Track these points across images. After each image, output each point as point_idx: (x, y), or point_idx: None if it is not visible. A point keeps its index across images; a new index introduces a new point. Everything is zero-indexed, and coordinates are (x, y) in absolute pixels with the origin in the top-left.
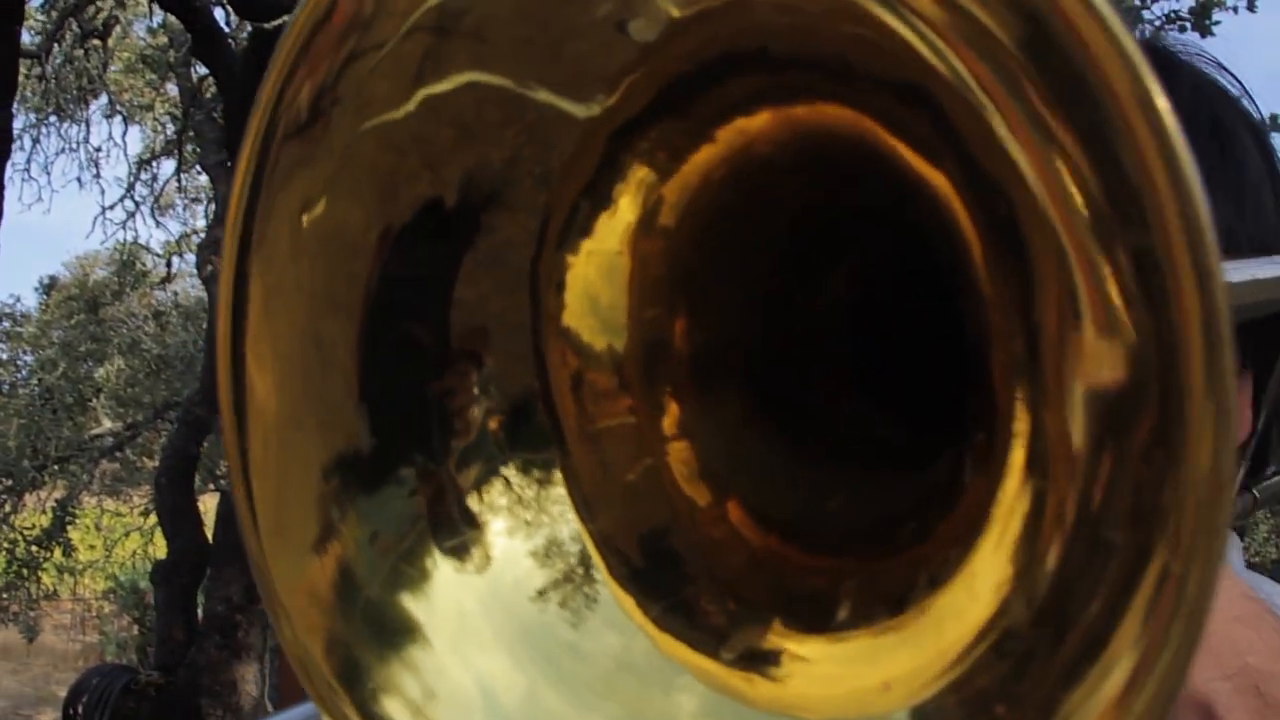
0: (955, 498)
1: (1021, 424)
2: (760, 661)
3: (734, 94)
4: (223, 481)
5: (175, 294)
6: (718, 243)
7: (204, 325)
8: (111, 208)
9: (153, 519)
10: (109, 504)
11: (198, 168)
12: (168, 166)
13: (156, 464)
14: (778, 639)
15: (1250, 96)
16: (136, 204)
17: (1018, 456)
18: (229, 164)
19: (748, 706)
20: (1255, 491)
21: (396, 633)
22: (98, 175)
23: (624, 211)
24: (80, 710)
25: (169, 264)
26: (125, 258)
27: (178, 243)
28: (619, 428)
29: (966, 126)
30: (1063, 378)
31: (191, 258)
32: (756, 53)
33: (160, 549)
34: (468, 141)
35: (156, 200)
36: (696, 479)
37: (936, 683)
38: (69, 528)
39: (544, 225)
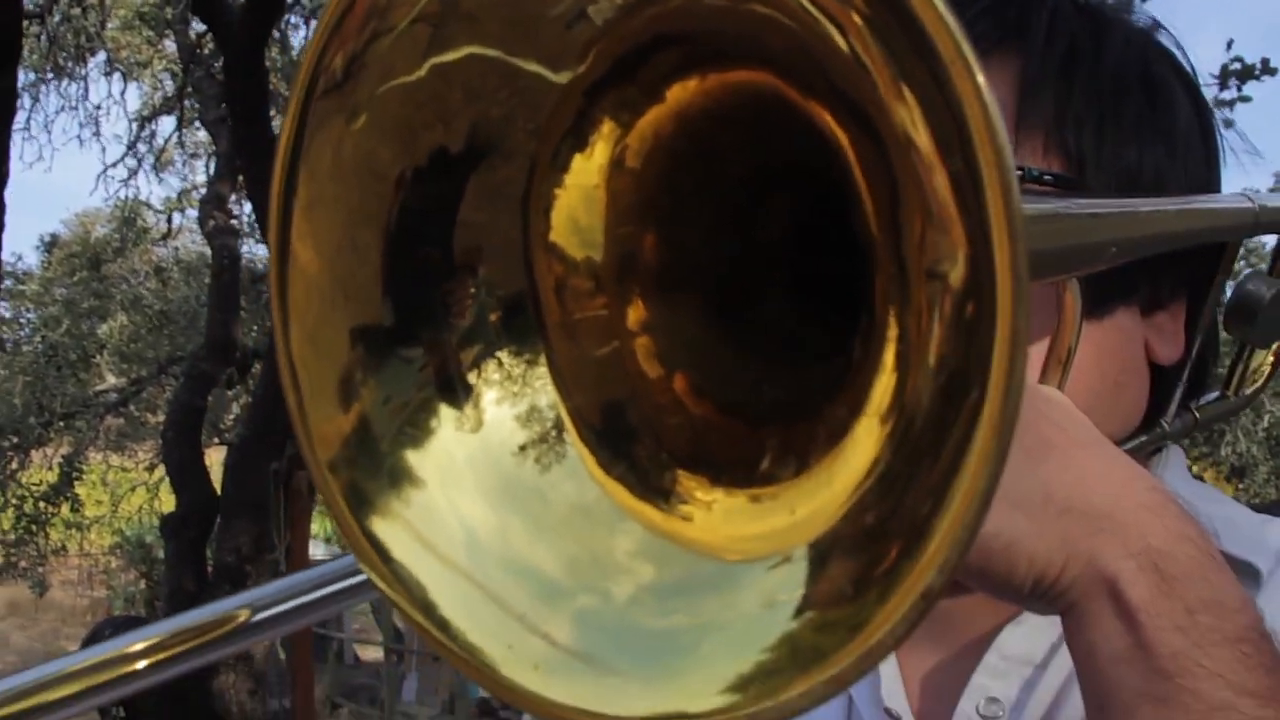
0: (849, 380)
1: (892, 330)
2: (690, 509)
3: (674, 61)
4: (227, 435)
5: (176, 249)
6: (675, 180)
7: (206, 280)
8: (114, 165)
9: (158, 474)
10: (114, 459)
11: (197, 123)
12: (166, 123)
13: (161, 419)
14: (705, 492)
15: (1184, 51)
16: (139, 161)
17: (890, 350)
18: (228, 120)
19: (677, 546)
20: (1195, 411)
21: (398, 475)
22: (97, 133)
23: (598, 155)
24: None
25: (169, 220)
26: (126, 214)
27: (178, 198)
28: (593, 320)
29: (855, 89)
30: (917, 288)
31: (192, 213)
32: (689, 30)
33: (166, 503)
34: (472, 101)
35: (157, 158)
36: (652, 360)
37: (833, 519)
38: (76, 484)
39: (533, 166)
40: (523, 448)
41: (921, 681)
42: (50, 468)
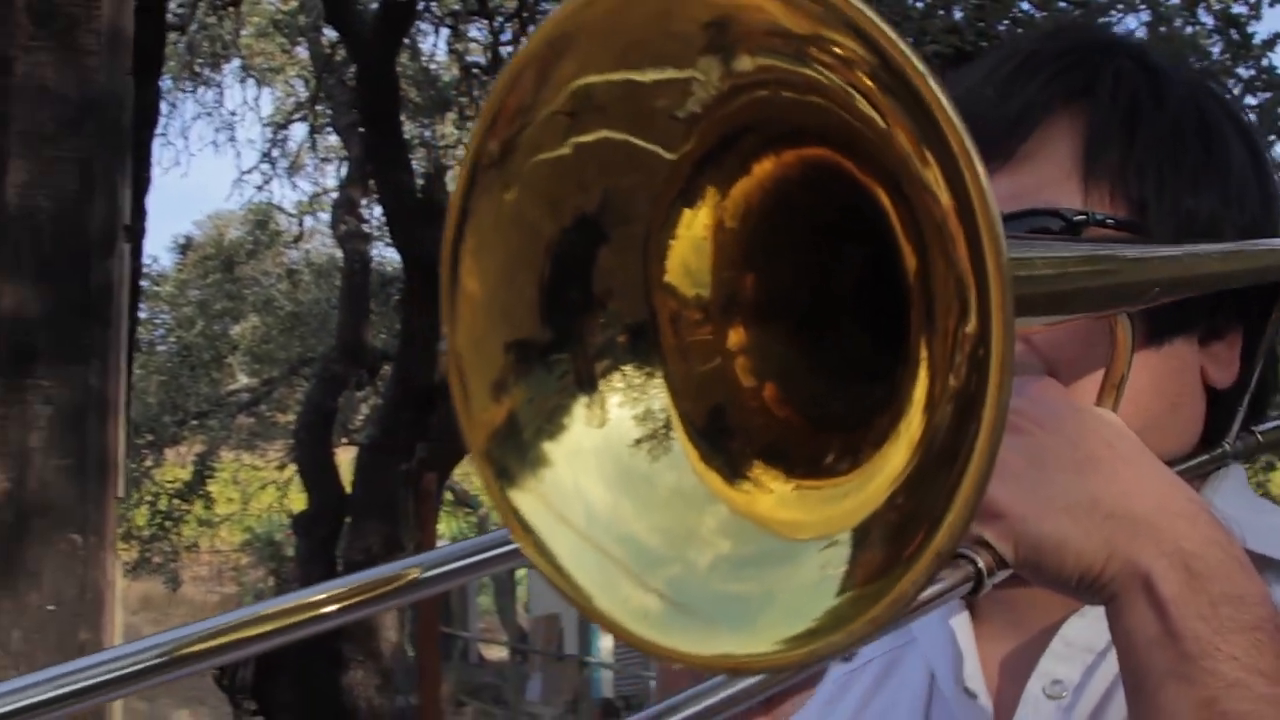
0: (893, 398)
1: (924, 361)
2: (765, 496)
3: (757, 141)
4: (357, 436)
5: (307, 252)
6: (764, 234)
7: (335, 283)
8: (249, 172)
9: (287, 472)
10: (245, 458)
11: (329, 128)
12: (298, 128)
13: (290, 418)
14: (778, 482)
15: (1239, 103)
16: (273, 165)
17: (923, 377)
18: (359, 126)
19: (752, 525)
20: (1259, 435)
21: (537, 460)
22: (232, 139)
23: (702, 215)
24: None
25: (301, 223)
26: (260, 218)
27: (309, 202)
28: (700, 343)
29: (893, 166)
30: (942, 323)
31: (323, 216)
32: (768, 117)
33: (295, 501)
34: (604, 174)
35: (291, 163)
36: (747, 374)
37: (873, 508)
38: (208, 481)
39: (651, 223)
40: (637, 442)
41: (996, 665)
42: (184, 466)
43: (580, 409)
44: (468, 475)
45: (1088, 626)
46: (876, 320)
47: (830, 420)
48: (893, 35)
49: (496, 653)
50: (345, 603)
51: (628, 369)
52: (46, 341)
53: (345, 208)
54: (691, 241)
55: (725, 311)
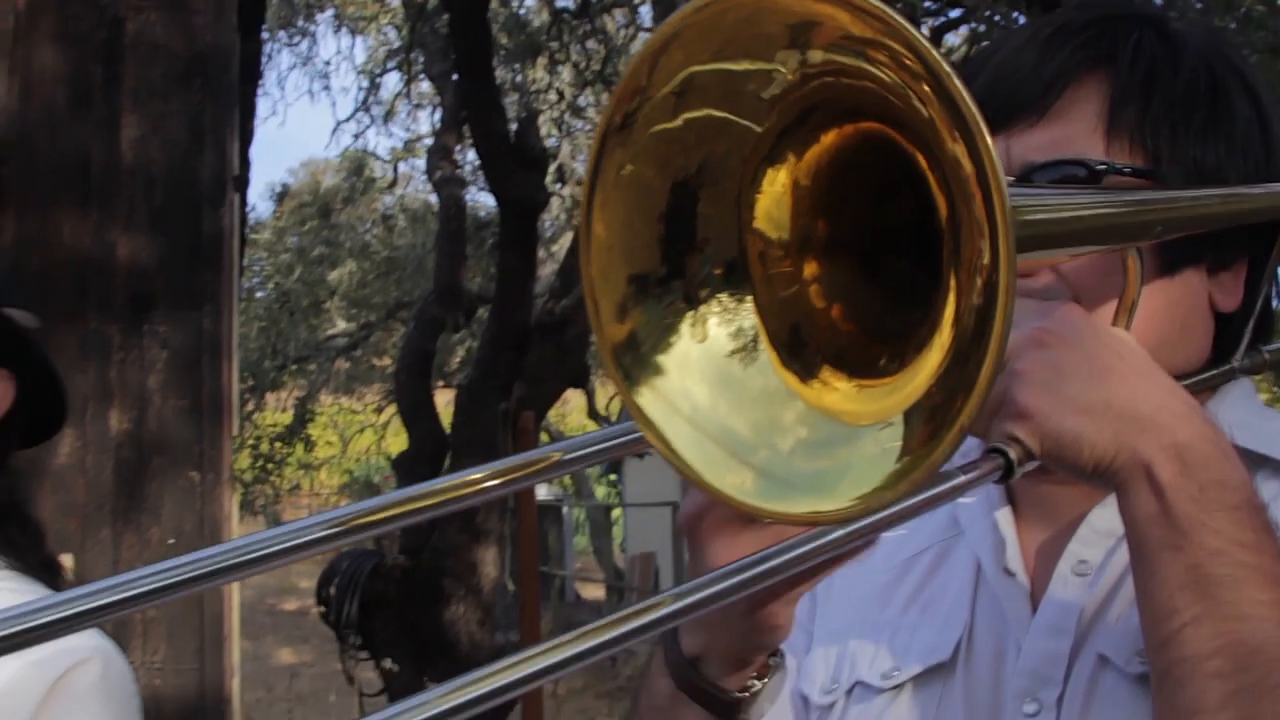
0: (931, 313)
1: (953, 286)
2: (832, 392)
3: (825, 117)
4: (452, 379)
5: (401, 197)
6: (832, 188)
7: (430, 228)
8: (347, 120)
9: (385, 415)
10: (344, 402)
11: (421, 76)
12: (391, 76)
13: (388, 363)
14: (842, 382)
15: (1248, 64)
16: (369, 113)
17: (951, 298)
18: (452, 74)
19: (822, 415)
20: (1265, 352)
21: (653, 365)
22: (327, 88)
23: (783, 173)
24: (333, 592)
25: (395, 169)
26: (355, 165)
27: (404, 148)
28: (781, 274)
29: (930, 137)
30: (966, 256)
31: (415, 162)
32: (833, 97)
33: (392, 444)
34: (704, 141)
35: (387, 113)
36: (819, 298)
37: (918, 396)
38: (308, 425)
39: (742, 181)
40: (731, 352)
41: (1033, 550)
42: (284, 410)
43: (686, 327)
44: (562, 416)
45: (1109, 516)
46: (917, 254)
47: (883, 332)
48: (931, 47)
49: (593, 591)
50: (498, 480)
51: (723, 296)
52: (162, 288)
53: (440, 154)
54: (774, 195)
55: (801, 249)
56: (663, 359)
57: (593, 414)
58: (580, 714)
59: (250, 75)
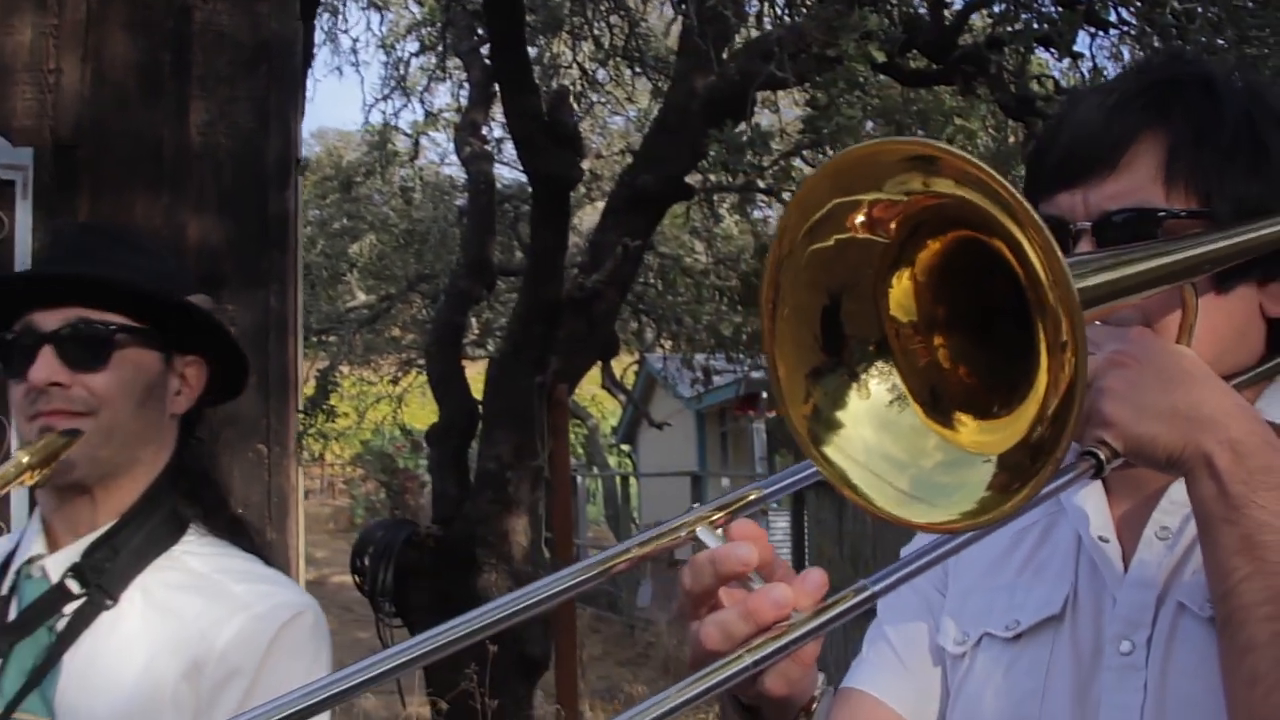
0: (1030, 371)
1: (1044, 350)
2: (959, 430)
3: (931, 228)
4: (479, 350)
5: (420, 169)
6: (942, 279)
7: (453, 202)
8: (385, 98)
9: (400, 386)
10: (360, 373)
11: (442, 49)
12: (414, 48)
13: (407, 335)
14: (966, 422)
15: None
16: (405, 90)
17: (1044, 361)
18: (479, 50)
19: (952, 447)
20: None
21: (830, 422)
22: (356, 64)
23: (905, 272)
24: (367, 561)
25: (416, 143)
26: (378, 139)
27: (425, 122)
28: (917, 349)
29: (1012, 240)
30: (1048, 329)
31: (436, 135)
32: (935, 214)
33: (408, 416)
34: (841, 257)
35: (423, 90)
36: (948, 361)
37: (1018, 438)
38: (331, 396)
39: (876, 281)
40: (889, 404)
41: (1121, 519)
42: (306, 381)
43: (853, 391)
44: (580, 392)
45: (1185, 490)
46: (1014, 325)
47: (995, 383)
48: (1015, 190)
49: None
50: (713, 516)
51: (877, 364)
52: (230, 268)
53: (469, 131)
54: (901, 289)
55: (927, 327)
56: (838, 417)
57: (605, 385)
58: (602, 679)
59: (305, 59)
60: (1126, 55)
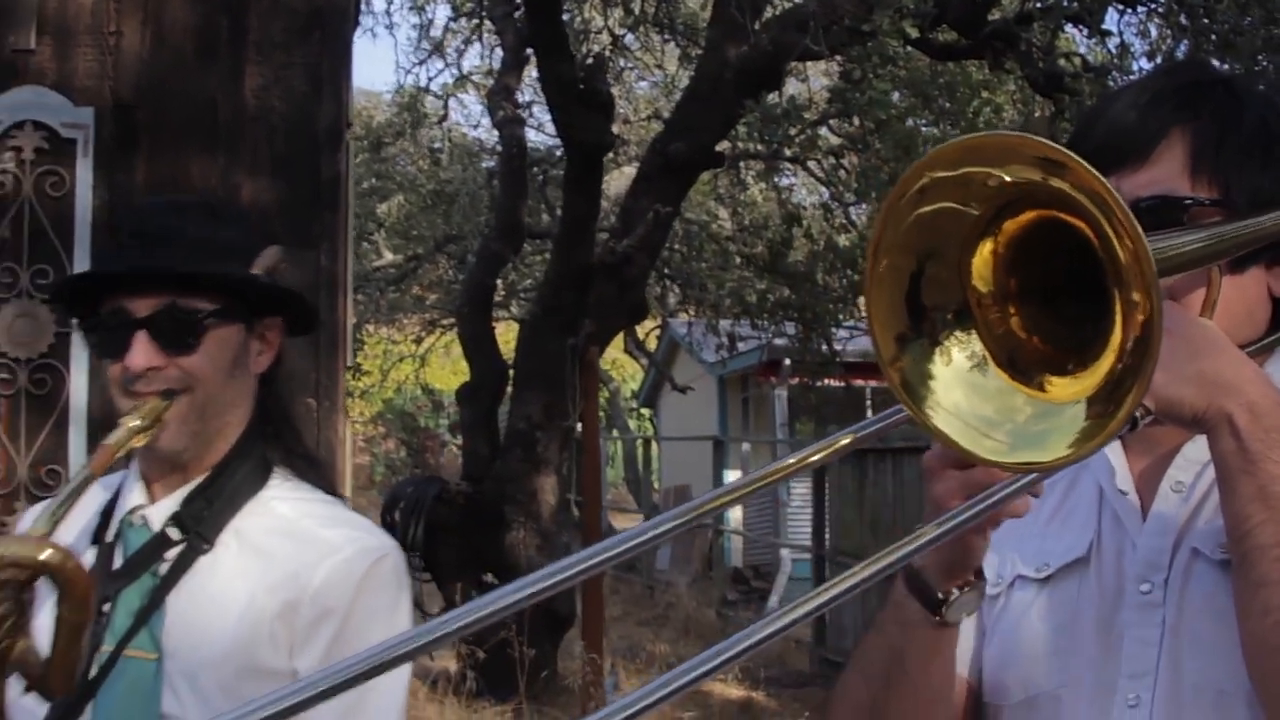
0: (1104, 332)
1: (1119, 315)
2: (1042, 387)
3: (1018, 206)
4: (502, 312)
5: (449, 130)
6: (1022, 251)
7: (481, 165)
8: (422, 62)
9: (423, 346)
10: (384, 332)
11: (481, 15)
12: (443, 10)
13: (424, 294)
14: (1047, 378)
15: None
16: (443, 55)
17: (1119, 323)
18: (514, 16)
19: (1038, 401)
20: None
21: (919, 379)
22: (390, 26)
23: (988, 244)
24: (397, 517)
25: (446, 105)
26: (408, 100)
27: (454, 84)
28: (995, 315)
29: (1091, 217)
30: (1124, 298)
31: (464, 97)
32: (1022, 194)
33: (430, 376)
34: (938, 223)
35: (460, 52)
36: (1023, 329)
37: (1096, 388)
38: (358, 355)
39: (962, 251)
40: (971, 368)
41: (1139, 475)
42: None
43: (938, 355)
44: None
45: (1197, 449)
46: (1088, 293)
47: (1069, 346)
48: (1101, 178)
49: (624, 521)
50: (810, 459)
51: (957, 333)
52: (283, 228)
53: (502, 95)
54: (983, 259)
55: (1002, 297)
56: (925, 372)
57: (628, 349)
58: (623, 639)
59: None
60: (1154, 32)
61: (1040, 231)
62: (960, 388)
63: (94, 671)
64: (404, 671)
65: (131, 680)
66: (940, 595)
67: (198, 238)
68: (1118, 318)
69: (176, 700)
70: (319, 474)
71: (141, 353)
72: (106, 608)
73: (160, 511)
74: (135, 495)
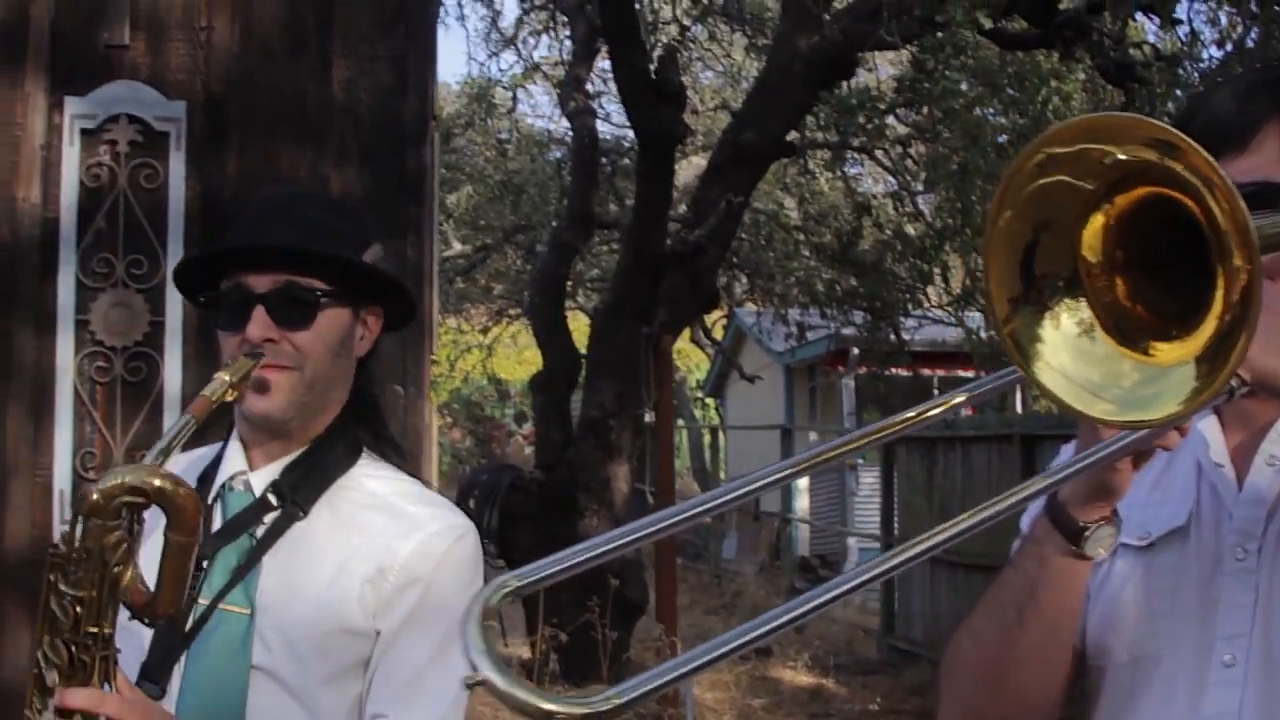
0: (1204, 302)
1: (1221, 284)
2: (1147, 352)
3: (1131, 181)
4: (575, 301)
5: (516, 121)
6: (1132, 224)
7: (549, 156)
8: (495, 54)
9: (490, 336)
10: (452, 322)
11: (550, 6)
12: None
13: (489, 284)
14: (1153, 344)
15: None
16: (516, 48)
17: (1221, 293)
18: (584, 7)
19: (1145, 365)
20: None
21: (1030, 340)
22: (462, 17)
23: (1099, 216)
24: (472, 504)
25: (514, 96)
26: (477, 91)
27: (523, 75)
28: (1103, 283)
29: (1197, 194)
30: (1226, 268)
31: (533, 88)
32: (1133, 172)
33: (497, 366)
34: (1053, 196)
35: (534, 44)
36: (1128, 298)
37: (1198, 352)
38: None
39: (1074, 222)
40: (1079, 334)
41: (1234, 449)
42: None
43: (1048, 320)
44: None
45: None
46: (1191, 265)
47: (1170, 315)
48: (1209, 157)
49: None
50: (928, 414)
51: (1067, 299)
52: (370, 219)
53: (573, 86)
54: (1093, 231)
55: (1111, 267)
56: (1035, 334)
57: (694, 338)
58: (693, 626)
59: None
60: (1224, 20)
61: (1148, 208)
62: (1068, 352)
63: (190, 623)
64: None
65: (225, 633)
66: (1081, 525)
67: (314, 223)
68: (1220, 283)
69: (267, 652)
70: (401, 458)
71: (260, 324)
72: (205, 564)
73: (260, 479)
74: (236, 462)
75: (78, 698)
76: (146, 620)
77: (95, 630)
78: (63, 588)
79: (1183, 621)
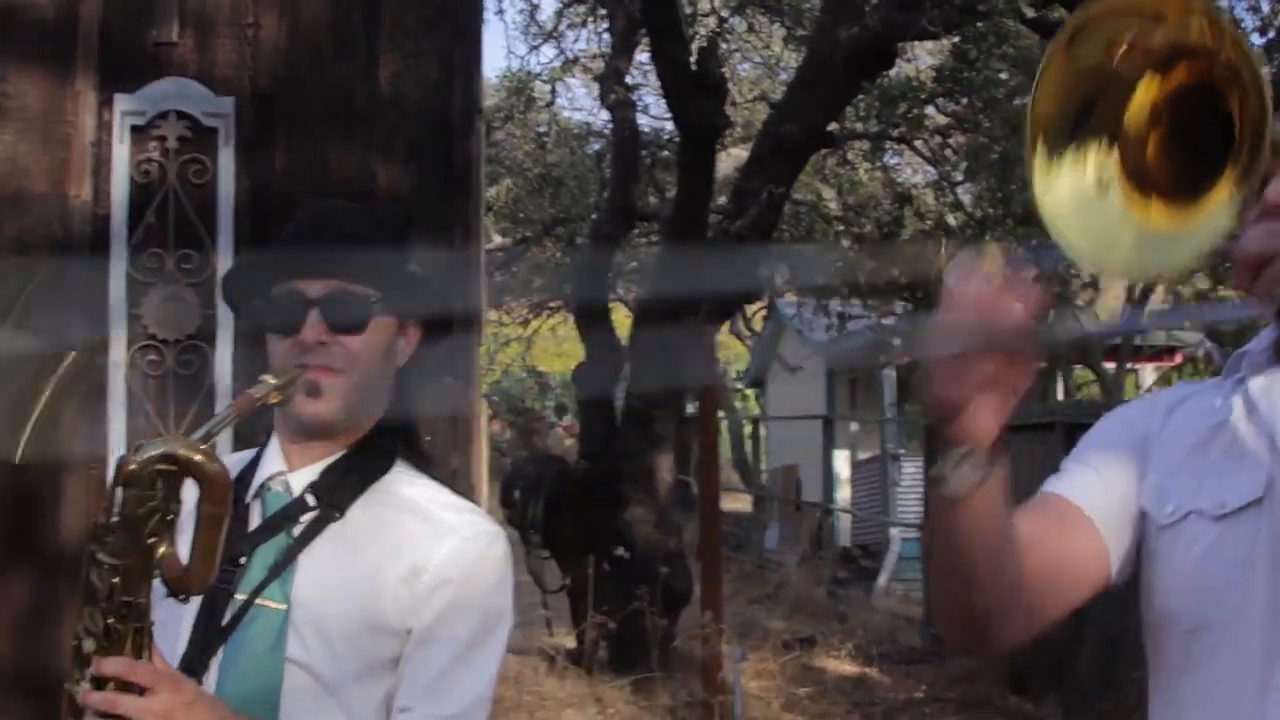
0: (1222, 167)
1: (1244, 156)
2: (1159, 212)
3: (1173, 64)
4: (614, 292)
5: (555, 115)
6: (1171, 101)
7: (587, 148)
8: (535, 48)
9: (530, 328)
10: (492, 315)
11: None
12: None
13: (533, 276)
14: (1165, 204)
15: None
16: (558, 41)
17: (1236, 163)
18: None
19: (1159, 223)
20: None
21: (1047, 189)
22: (501, 11)
23: (1142, 93)
24: (518, 495)
25: (553, 89)
26: (517, 85)
27: (562, 68)
28: (1138, 146)
29: (1232, 78)
30: (1247, 131)
31: (571, 80)
32: (1185, 53)
33: (536, 358)
34: (1097, 75)
35: (567, 36)
36: (1155, 158)
37: (1216, 210)
38: None
39: (1125, 92)
40: (1099, 189)
41: None
42: None
43: (1069, 170)
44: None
45: None
46: (1217, 133)
47: (1191, 176)
48: (1246, 43)
49: (734, 502)
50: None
51: (1099, 151)
52: (417, 212)
53: (614, 78)
54: (1139, 101)
55: (1147, 134)
56: (1068, 186)
57: (733, 329)
58: (736, 615)
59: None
60: (1265, 7)
61: (1190, 90)
62: (1078, 205)
63: (228, 617)
64: (500, 641)
65: (261, 627)
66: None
67: (363, 235)
68: (1241, 155)
69: (302, 647)
70: (431, 468)
71: (314, 327)
72: (244, 561)
73: (299, 479)
74: (275, 463)
75: (112, 665)
76: (181, 596)
77: (130, 600)
78: (100, 556)
79: (1257, 591)
